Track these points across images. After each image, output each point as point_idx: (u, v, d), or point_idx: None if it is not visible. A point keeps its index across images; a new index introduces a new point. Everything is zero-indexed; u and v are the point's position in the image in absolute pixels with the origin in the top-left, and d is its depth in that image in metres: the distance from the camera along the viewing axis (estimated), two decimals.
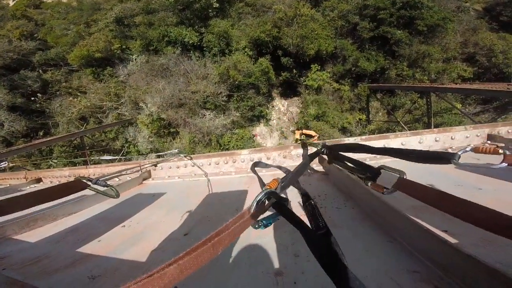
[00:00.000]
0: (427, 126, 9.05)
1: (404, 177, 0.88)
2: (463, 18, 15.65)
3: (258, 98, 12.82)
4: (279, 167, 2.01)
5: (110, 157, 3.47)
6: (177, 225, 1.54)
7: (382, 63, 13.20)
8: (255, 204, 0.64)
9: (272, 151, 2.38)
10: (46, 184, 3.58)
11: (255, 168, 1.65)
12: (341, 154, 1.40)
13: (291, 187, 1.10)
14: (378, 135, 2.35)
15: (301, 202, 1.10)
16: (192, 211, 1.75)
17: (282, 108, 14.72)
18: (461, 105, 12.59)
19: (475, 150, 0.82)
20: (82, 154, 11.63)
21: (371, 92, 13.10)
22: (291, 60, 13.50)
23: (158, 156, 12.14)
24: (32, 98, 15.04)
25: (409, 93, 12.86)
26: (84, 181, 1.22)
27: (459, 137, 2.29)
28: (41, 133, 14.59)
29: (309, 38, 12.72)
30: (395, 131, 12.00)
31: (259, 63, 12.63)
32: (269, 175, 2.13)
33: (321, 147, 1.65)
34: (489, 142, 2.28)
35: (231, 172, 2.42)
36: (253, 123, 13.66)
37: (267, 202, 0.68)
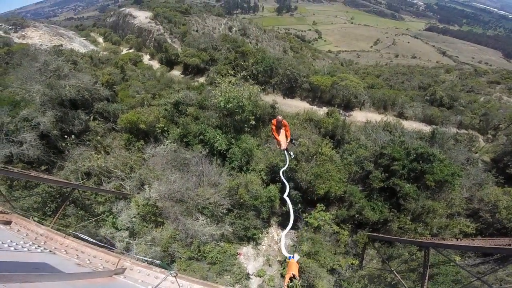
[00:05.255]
0: (422, 277, 8.29)
1: None
2: (471, 172, 16.03)
3: (256, 221, 12.59)
4: None
5: (86, 237, 3.36)
6: None
7: (386, 215, 13.12)
8: None
9: None
10: (13, 230, 3.33)
11: None
12: None
13: None
14: None
15: None
16: None
17: (276, 237, 14.05)
18: (460, 258, 11.76)
19: None
20: (61, 202, 11.00)
21: (369, 240, 12.53)
22: (299, 194, 13.86)
23: (131, 236, 11.04)
24: (65, 136, 15.39)
25: (408, 245, 12.14)
26: None
27: None
28: (42, 168, 14.50)
29: (322, 177, 13.23)
30: (386, 278, 11.22)
31: (268, 190, 13.11)
32: None
33: None
34: None
35: None
36: (242, 242, 12.87)
37: None
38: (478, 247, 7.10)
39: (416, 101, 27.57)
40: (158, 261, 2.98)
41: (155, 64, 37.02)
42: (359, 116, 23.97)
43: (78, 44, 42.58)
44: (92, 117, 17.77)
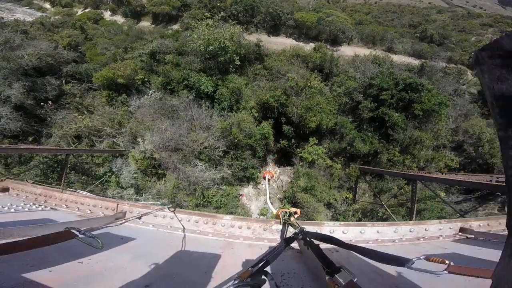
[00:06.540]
0: (410, 211, 9.08)
1: (355, 280, 0.99)
2: (457, 102, 16.57)
3: (252, 161, 12.93)
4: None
5: (86, 193, 3.42)
6: (139, 275, 1.48)
7: (376, 146, 13.45)
8: None
9: (254, 222, 2.39)
10: (12, 195, 3.38)
11: None
12: (313, 244, 1.48)
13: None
14: (356, 222, 2.49)
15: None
16: (158, 264, 1.68)
17: (274, 175, 14.94)
18: (444, 194, 12.60)
19: (427, 259, 1.00)
20: (60, 170, 11.12)
21: (361, 173, 13.25)
22: (292, 129, 13.92)
23: (137, 193, 11.69)
24: (42, 104, 15.05)
25: (397, 179, 12.91)
26: (74, 231, 1.33)
27: (433, 229, 2.42)
28: (30, 139, 14.22)
29: (313, 110, 13.22)
30: (378, 213, 12.11)
31: (262, 127, 13.08)
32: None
33: (299, 232, 1.75)
34: (460, 233, 2.42)
35: (208, 233, 2.37)
36: (242, 183, 13.54)
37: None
38: (461, 181, 7.32)
39: (405, 37, 27.22)
40: (158, 202, 3.12)
41: (120, 19, 34.45)
42: (347, 51, 23.93)
43: (22, 14, 37.64)
44: (64, 81, 17.18)
